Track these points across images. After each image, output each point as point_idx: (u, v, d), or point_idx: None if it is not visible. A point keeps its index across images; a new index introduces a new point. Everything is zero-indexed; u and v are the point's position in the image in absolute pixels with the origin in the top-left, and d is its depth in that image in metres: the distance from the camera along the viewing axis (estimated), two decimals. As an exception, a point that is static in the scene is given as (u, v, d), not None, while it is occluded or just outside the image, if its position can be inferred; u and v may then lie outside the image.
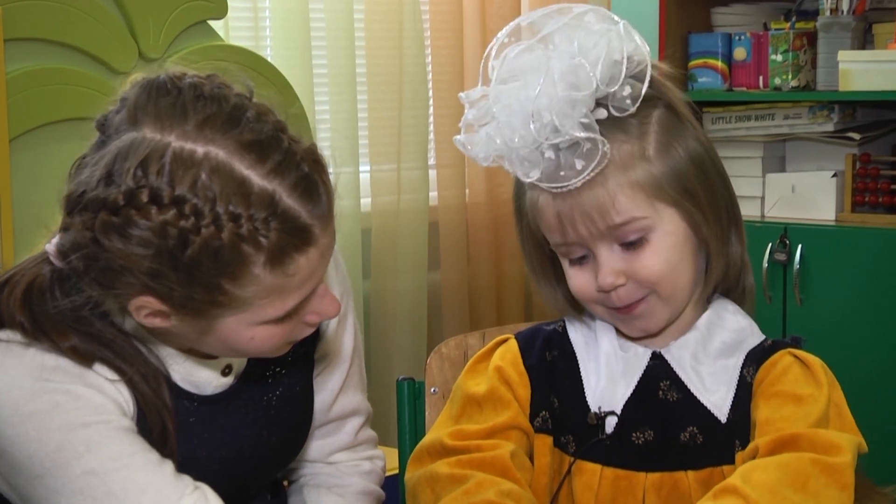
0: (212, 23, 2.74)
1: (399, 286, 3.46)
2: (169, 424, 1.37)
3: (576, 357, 1.45)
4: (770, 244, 3.28)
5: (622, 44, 1.34)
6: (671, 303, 1.40)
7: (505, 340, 1.50)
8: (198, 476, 1.36)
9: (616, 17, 1.37)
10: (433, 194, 3.56)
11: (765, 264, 3.27)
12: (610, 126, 1.34)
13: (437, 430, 1.47)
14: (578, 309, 1.47)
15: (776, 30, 3.48)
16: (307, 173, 1.28)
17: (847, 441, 1.34)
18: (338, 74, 3.27)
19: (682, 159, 1.37)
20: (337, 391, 1.59)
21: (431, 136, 3.57)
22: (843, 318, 3.21)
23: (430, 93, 3.53)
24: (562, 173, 1.33)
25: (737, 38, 3.50)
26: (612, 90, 1.33)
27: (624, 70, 1.33)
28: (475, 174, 3.65)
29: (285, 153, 1.27)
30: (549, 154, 1.33)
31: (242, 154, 1.25)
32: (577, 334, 1.47)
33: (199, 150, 1.24)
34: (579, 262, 1.39)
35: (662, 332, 1.43)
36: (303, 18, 3.17)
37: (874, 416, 3.12)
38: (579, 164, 1.32)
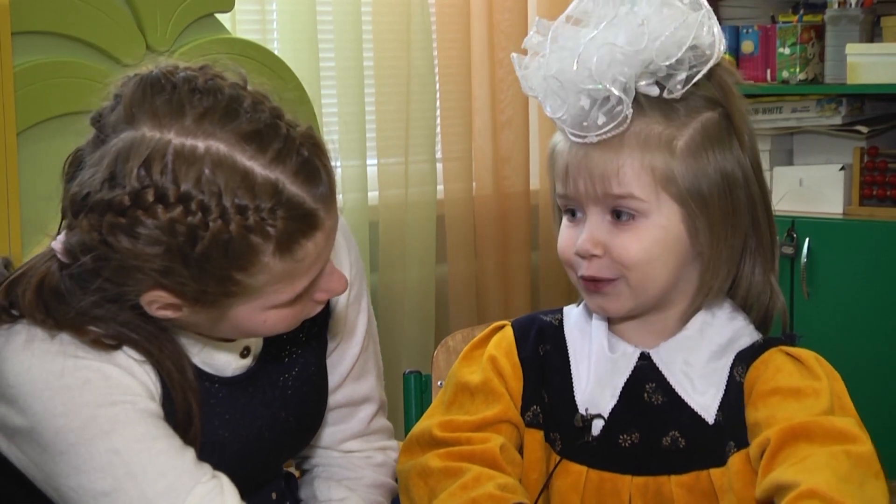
0: (219, 16, 2.74)
1: (407, 279, 3.46)
2: (194, 405, 1.38)
3: (568, 354, 1.44)
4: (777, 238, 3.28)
5: (698, 31, 1.33)
6: (638, 294, 1.37)
7: (502, 327, 1.49)
8: (218, 458, 1.37)
9: (704, 2, 1.37)
10: (440, 188, 3.57)
11: (772, 258, 3.27)
12: (654, 105, 1.34)
13: (429, 417, 1.47)
14: None
15: (784, 23, 3.47)
16: (307, 158, 1.29)
17: (859, 427, 1.32)
18: (345, 68, 3.27)
19: (707, 168, 1.35)
20: (346, 374, 1.60)
21: (439, 129, 3.57)
22: (851, 311, 3.21)
23: (437, 86, 3.53)
24: (584, 123, 1.33)
25: (744, 30, 3.50)
26: (670, 71, 1.32)
27: (682, 53, 1.32)
28: (482, 167, 3.65)
29: (284, 140, 1.28)
30: (584, 102, 1.33)
31: (243, 145, 1.25)
32: (573, 329, 1.46)
33: (200, 145, 1.25)
34: (573, 218, 1.39)
35: (652, 331, 1.42)
36: (310, 12, 3.17)
37: (880, 409, 3.12)
38: (601, 120, 1.32)
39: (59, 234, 1.36)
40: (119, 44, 2.52)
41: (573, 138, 1.35)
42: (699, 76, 1.34)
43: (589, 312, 1.46)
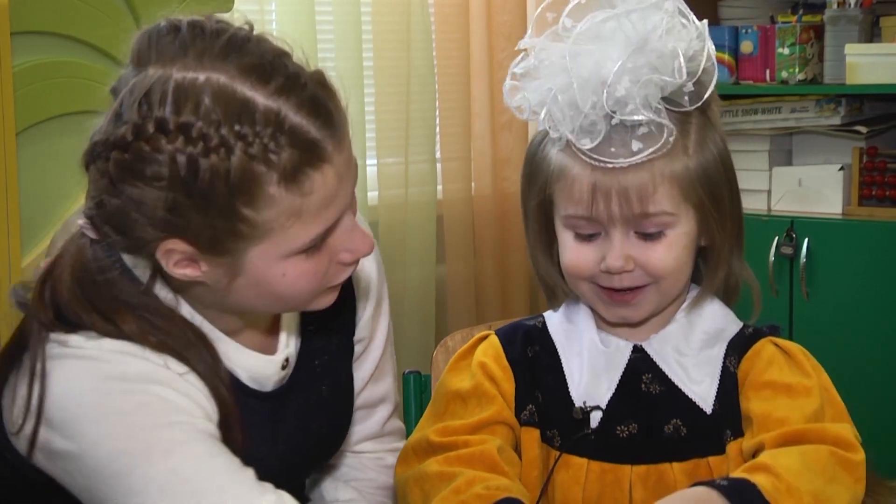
0: (218, 16, 2.74)
1: (407, 279, 3.46)
2: (232, 413, 1.34)
3: (557, 352, 1.46)
4: (777, 238, 3.28)
5: (701, 42, 1.35)
6: (664, 298, 1.41)
7: (485, 337, 1.50)
8: (261, 473, 1.33)
9: (690, 13, 1.38)
10: (438, 188, 3.57)
11: (771, 258, 3.27)
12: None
13: (422, 428, 1.47)
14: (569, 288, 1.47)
15: (783, 23, 3.47)
16: (314, 94, 1.27)
17: (855, 436, 1.35)
18: (345, 68, 3.27)
19: (713, 158, 1.38)
20: (368, 378, 1.60)
21: (438, 129, 3.57)
22: (850, 311, 3.21)
23: (437, 86, 3.53)
24: (612, 149, 1.33)
25: (743, 31, 3.50)
26: (682, 86, 1.34)
27: (701, 69, 1.34)
28: (481, 168, 3.65)
29: (289, 75, 1.27)
30: (601, 126, 1.33)
31: (244, 77, 1.25)
32: (557, 330, 1.48)
33: (201, 76, 1.24)
34: (587, 238, 1.39)
35: (642, 326, 1.44)
36: (309, 12, 3.17)
37: (880, 409, 3.12)
38: (636, 146, 1.32)
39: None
40: (118, 44, 2.51)
41: (597, 164, 1.34)
42: (711, 89, 1.36)
43: (571, 316, 1.47)
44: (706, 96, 1.36)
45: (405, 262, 3.46)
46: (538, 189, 1.42)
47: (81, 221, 1.33)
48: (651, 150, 1.32)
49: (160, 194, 1.24)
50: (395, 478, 1.47)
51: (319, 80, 1.29)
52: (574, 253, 1.40)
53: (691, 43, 1.34)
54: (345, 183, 1.31)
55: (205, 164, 1.22)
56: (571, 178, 1.37)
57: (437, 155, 3.55)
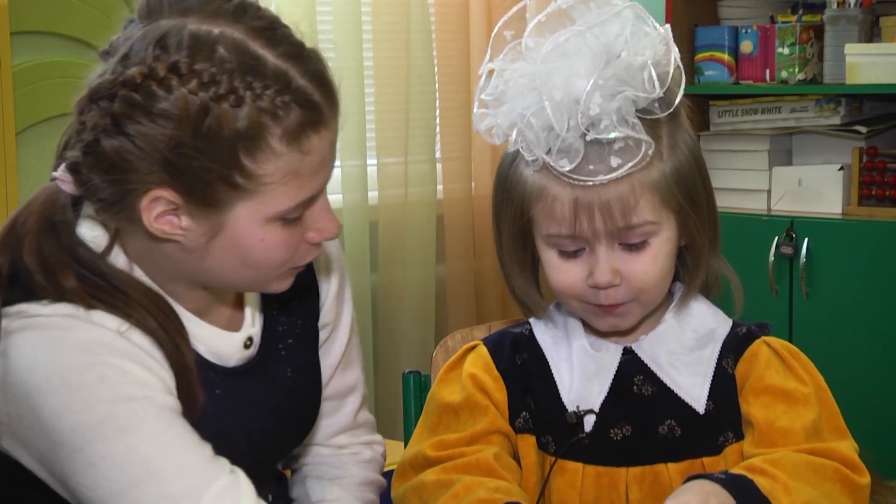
0: None
1: (407, 279, 3.46)
2: (195, 384, 1.35)
3: (546, 359, 1.46)
4: (776, 238, 3.28)
5: (665, 47, 1.35)
6: (647, 308, 1.41)
7: (473, 347, 1.50)
8: (225, 452, 1.34)
9: (652, 19, 1.37)
10: (438, 187, 3.57)
11: (771, 258, 3.27)
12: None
13: (416, 443, 1.47)
14: (547, 302, 1.47)
15: (783, 23, 3.47)
16: (317, 66, 1.34)
17: (854, 449, 1.36)
18: (345, 68, 3.27)
19: (686, 159, 1.38)
20: (335, 366, 1.61)
21: (438, 129, 3.57)
22: (850, 311, 3.21)
23: (437, 86, 3.53)
24: (590, 167, 1.32)
25: (743, 31, 3.50)
26: (650, 94, 1.33)
27: (671, 77, 1.33)
28: (481, 167, 3.65)
29: (295, 44, 1.33)
30: (578, 146, 1.32)
31: (255, 36, 1.30)
32: (544, 336, 1.47)
33: (215, 30, 1.29)
34: (571, 255, 1.38)
35: (633, 330, 1.44)
36: (310, 11, 3.17)
37: (880, 409, 3.12)
38: (615, 162, 1.31)
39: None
40: (118, 44, 2.52)
41: (577, 183, 1.33)
42: (681, 94, 1.35)
43: (558, 321, 1.47)
44: (676, 102, 1.35)
45: (405, 261, 3.46)
46: (515, 211, 1.40)
47: (58, 173, 1.35)
48: (630, 164, 1.32)
49: (165, 132, 1.26)
50: (392, 493, 1.47)
51: (318, 56, 1.36)
52: (560, 272, 1.39)
53: (656, 49, 1.34)
54: (333, 154, 1.37)
55: (215, 109, 1.26)
56: (552, 198, 1.36)
57: (437, 155, 3.55)
